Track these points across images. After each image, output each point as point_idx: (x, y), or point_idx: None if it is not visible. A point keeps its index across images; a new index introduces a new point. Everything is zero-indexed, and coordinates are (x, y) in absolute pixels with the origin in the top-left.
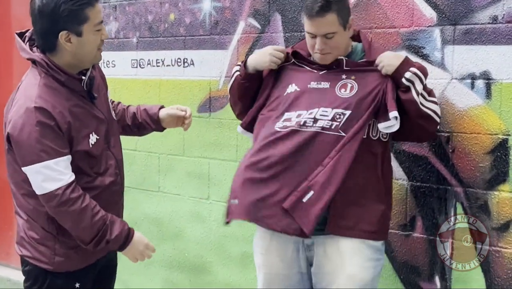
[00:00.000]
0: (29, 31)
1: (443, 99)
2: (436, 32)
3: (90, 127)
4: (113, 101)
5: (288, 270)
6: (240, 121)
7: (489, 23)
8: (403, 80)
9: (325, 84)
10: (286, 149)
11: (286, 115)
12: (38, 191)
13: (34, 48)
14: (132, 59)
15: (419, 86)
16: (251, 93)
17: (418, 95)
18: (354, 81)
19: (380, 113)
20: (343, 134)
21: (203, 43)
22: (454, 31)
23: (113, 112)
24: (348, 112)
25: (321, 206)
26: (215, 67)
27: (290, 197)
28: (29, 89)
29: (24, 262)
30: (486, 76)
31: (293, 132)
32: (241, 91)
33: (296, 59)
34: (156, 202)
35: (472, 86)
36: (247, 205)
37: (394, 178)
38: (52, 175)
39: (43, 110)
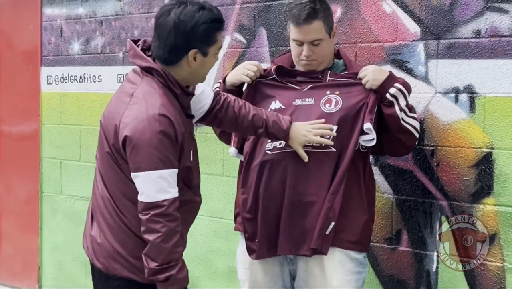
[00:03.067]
0: (141, 40)
1: (427, 113)
2: (420, 46)
3: (190, 144)
4: (224, 95)
5: (272, 283)
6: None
7: (472, 37)
8: (388, 95)
9: (309, 101)
10: (283, 178)
11: None
12: (144, 198)
13: (149, 58)
14: (118, 74)
15: (403, 102)
16: None
17: (401, 111)
18: (338, 96)
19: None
20: (334, 149)
21: None
22: (438, 45)
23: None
24: (335, 128)
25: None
26: None
27: (315, 236)
28: (149, 96)
29: (110, 277)
30: (469, 90)
31: (284, 155)
32: None
33: (279, 75)
34: None
35: (456, 100)
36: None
37: (380, 192)
38: (163, 185)
39: (167, 119)
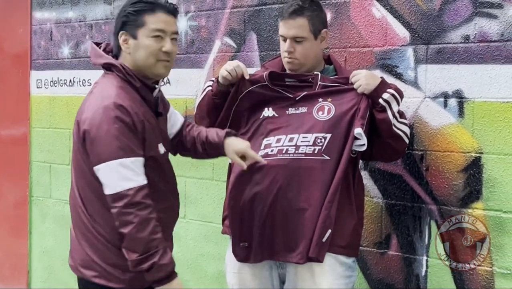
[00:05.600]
0: (104, 43)
1: (417, 118)
2: (409, 51)
3: (158, 138)
4: (190, 123)
5: (261, 287)
6: None
7: (461, 42)
8: (380, 100)
9: (302, 109)
10: (274, 184)
11: (266, 140)
12: (109, 190)
13: (108, 55)
14: None
15: (395, 108)
16: (219, 110)
17: (393, 116)
18: (330, 103)
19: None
20: (327, 157)
21: (179, 62)
22: (427, 50)
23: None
24: (328, 136)
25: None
26: (191, 86)
27: (313, 244)
28: (106, 89)
29: (86, 283)
30: (458, 95)
31: (276, 162)
32: (210, 106)
33: (272, 81)
34: None
35: (445, 105)
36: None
37: (370, 196)
38: (127, 174)
39: (120, 107)
